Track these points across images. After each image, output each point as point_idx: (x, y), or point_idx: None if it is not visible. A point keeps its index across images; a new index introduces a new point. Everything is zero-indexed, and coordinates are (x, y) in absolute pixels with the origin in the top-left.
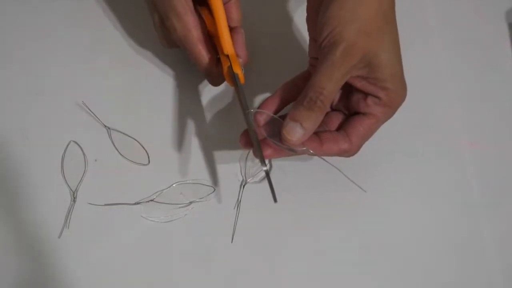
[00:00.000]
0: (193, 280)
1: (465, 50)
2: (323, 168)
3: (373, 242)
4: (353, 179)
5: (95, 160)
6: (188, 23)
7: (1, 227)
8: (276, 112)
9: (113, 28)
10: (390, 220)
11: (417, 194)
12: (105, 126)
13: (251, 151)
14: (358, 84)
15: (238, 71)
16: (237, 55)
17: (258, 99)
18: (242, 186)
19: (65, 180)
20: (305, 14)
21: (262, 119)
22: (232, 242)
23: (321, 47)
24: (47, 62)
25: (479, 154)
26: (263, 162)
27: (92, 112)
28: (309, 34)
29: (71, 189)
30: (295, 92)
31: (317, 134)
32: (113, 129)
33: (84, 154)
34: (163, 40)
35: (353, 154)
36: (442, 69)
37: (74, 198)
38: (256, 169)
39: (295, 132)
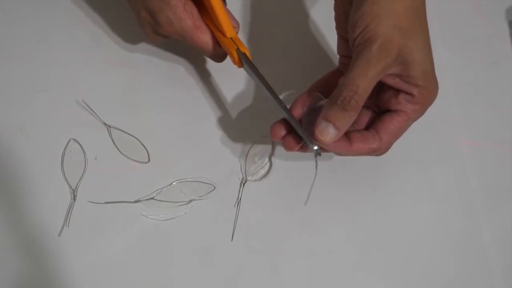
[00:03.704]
0: (193, 278)
1: (465, 48)
2: (325, 168)
3: (373, 242)
4: (352, 178)
5: (95, 158)
6: (182, 13)
7: (1, 225)
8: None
9: (112, 26)
10: (390, 220)
11: (416, 194)
12: (105, 124)
13: (251, 150)
14: (391, 81)
15: (246, 51)
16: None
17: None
18: (242, 184)
19: (65, 178)
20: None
21: (300, 109)
22: (232, 240)
23: (354, 44)
24: (47, 60)
25: (479, 153)
26: (312, 142)
27: (92, 110)
28: (338, 32)
29: (71, 187)
30: (327, 89)
31: (346, 133)
32: (113, 127)
33: (84, 152)
34: (153, 36)
35: (383, 153)
36: (442, 68)
37: (74, 196)
38: (256, 167)
39: (328, 133)
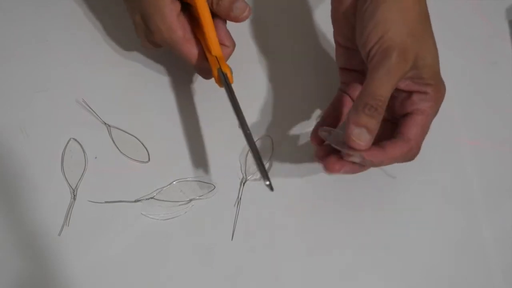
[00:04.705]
0: (193, 278)
1: (465, 48)
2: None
3: (374, 242)
4: (352, 178)
5: (95, 157)
6: (174, 24)
7: (1, 226)
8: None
9: (113, 26)
10: (390, 220)
11: (416, 194)
12: (105, 123)
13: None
14: (402, 84)
15: (227, 71)
16: (224, 45)
17: (253, 99)
18: (242, 184)
19: (65, 178)
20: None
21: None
22: (232, 239)
23: (370, 54)
24: (47, 60)
25: (479, 153)
26: (266, 178)
27: (92, 110)
28: (336, 40)
29: (71, 187)
30: (339, 115)
31: (376, 143)
32: (113, 127)
33: (84, 151)
34: (145, 42)
35: (415, 155)
36: (442, 68)
37: (74, 195)
38: (256, 166)
39: (363, 136)
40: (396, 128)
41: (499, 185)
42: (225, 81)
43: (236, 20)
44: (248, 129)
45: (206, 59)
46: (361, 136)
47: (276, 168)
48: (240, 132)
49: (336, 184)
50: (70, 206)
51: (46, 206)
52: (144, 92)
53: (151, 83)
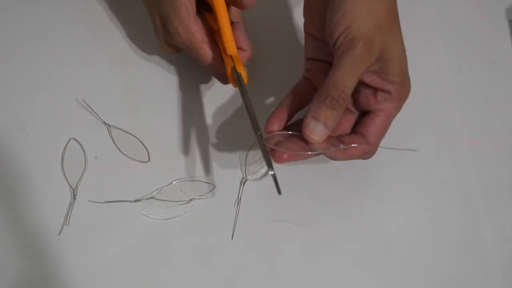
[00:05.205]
0: (193, 278)
1: (466, 47)
2: (325, 167)
3: (373, 241)
4: (352, 178)
5: (95, 157)
6: (192, 26)
7: (1, 226)
8: (286, 123)
9: (114, 26)
10: (390, 220)
11: (416, 194)
12: (105, 123)
13: (251, 149)
14: (368, 79)
15: (241, 71)
16: (242, 49)
17: (263, 100)
18: (242, 183)
19: (65, 177)
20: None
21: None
22: (232, 239)
23: (336, 44)
24: (47, 60)
25: (479, 153)
26: (270, 167)
27: (92, 110)
28: (307, 31)
29: (71, 186)
30: (300, 101)
31: (338, 138)
32: (113, 126)
33: (84, 151)
34: (164, 45)
35: (372, 155)
36: (443, 67)
37: (74, 195)
38: (256, 166)
39: (318, 131)
40: (357, 123)
41: (499, 185)
42: (238, 81)
43: (241, 5)
44: (259, 131)
45: (223, 62)
46: (315, 130)
47: (276, 167)
48: (239, 132)
49: (336, 184)
50: (70, 206)
51: (46, 206)
52: (144, 92)
53: (151, 83)
